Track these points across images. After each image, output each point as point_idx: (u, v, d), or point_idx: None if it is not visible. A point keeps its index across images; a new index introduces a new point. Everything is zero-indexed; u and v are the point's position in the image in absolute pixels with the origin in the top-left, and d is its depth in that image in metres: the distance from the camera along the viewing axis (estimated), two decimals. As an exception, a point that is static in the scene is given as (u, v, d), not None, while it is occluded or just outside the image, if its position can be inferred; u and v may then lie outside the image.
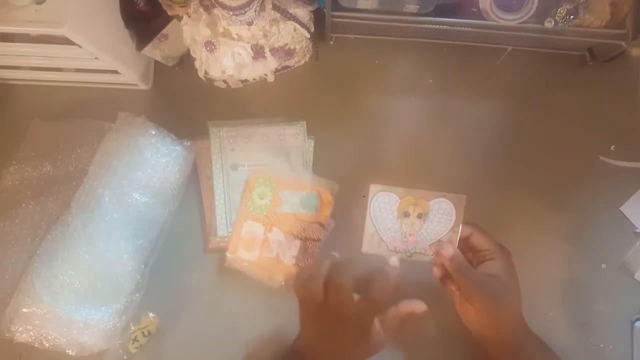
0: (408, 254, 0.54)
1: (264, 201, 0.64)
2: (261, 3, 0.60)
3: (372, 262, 0.54)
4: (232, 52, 0.63)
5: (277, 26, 0.63)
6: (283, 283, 0.62)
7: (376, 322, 0.52)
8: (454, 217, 0.53)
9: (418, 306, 0.53)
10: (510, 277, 0.53)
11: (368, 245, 0.54)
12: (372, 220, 0.53)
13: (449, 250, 0.53)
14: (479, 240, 0.54)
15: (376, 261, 0.54)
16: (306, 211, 0.64)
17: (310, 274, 0.53)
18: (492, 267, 0.52)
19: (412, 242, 0.54)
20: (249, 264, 0.63)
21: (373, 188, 0.53)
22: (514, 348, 0.53)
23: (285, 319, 0.62)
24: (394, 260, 0.53)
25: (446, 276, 0.54)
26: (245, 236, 0.63)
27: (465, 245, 0.55)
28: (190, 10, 0.63)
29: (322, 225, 0.64)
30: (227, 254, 0.63)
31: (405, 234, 0.53)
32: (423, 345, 0.61)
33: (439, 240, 0.53)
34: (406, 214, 0.53)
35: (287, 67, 0.71)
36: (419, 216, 0.53)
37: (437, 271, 0.55)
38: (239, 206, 0.65)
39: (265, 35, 0.64)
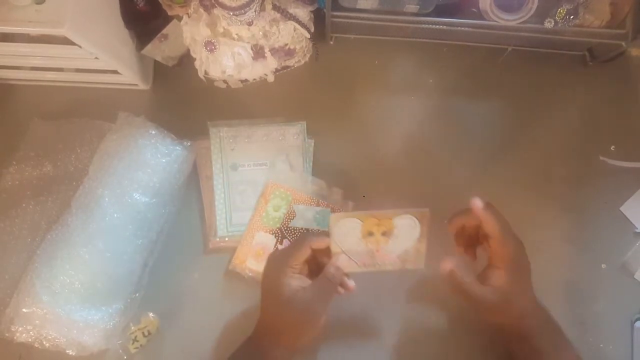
0: (377, 265, 0.54)
1: (278, 213, 0.64)
2: (261, 3, 0.60)
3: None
4: (232, 52, 0.63)
5: (277, 26, 0.63)
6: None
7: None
8: (418, 230, 0.53)
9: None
10: (518, 281, 0.52)
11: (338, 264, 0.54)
12: (337, 245, 0.53)
13: (445, 267, 0.52)
14: (497, 247, 0.53)
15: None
16: (319, 227, 0.64)
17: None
18: (499, 279, 0.52)
19: (379, 256, 0.54)
20: (256, 273, 0.63)
21: (333, 218, 0.53)
22: (524, 338, 0.54)
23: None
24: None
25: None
26: (256, 246, 0.63)
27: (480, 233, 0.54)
28: (190, 10, 0.63)
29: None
30: (234, 262, 0.63)
31: (372, 251, 0.54)
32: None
33: (406, 251, 0.54)
34: (370, 233, 0.53)
35: (287, 67, 0.71)
36: (384, 234, 0.53)
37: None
38: (252, 215, 0.65)
39: (265, 35, 0.64)
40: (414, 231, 0.53)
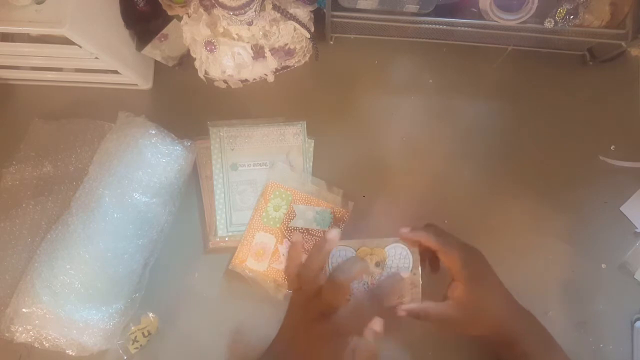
0: None
1: (278, 213, 0.64)
2: (261, 3, 0.60)
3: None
4: (232, 52, 0.63)
5: (277, 26, 0.63)
6: (289, 291, 0.62)
7: (353, 342, 0.48)
8: (411, 260, 0.53)
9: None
10: (477, 288, 0.52)
11: None
12: None
13: (401, 314, 0.52)
14: (444, 259, 0.53)
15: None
16: (319, 227, 0.64)
17: (307, 263, 0.51)
18: (455, 290, 0.52)
19: None
20: (256, 273, 0.63)
21: None
22: (509, 343, 0.53)
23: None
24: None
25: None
26: (256, 246, 0.63)
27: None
28: (190, 10, 0.63)
29: None
30: (234, 262, 0.63)
31: (367, 283, 0.53)
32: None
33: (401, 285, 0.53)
34: None
35: (287, 67, 0.71)
36: (377, 264, 0.53)
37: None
38: (251, 215, 0.65)
39: (265, 35, 0.64)
40: (407, 261, 0.53)
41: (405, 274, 0.53)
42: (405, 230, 0.53)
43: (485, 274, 0.54)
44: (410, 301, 0.54)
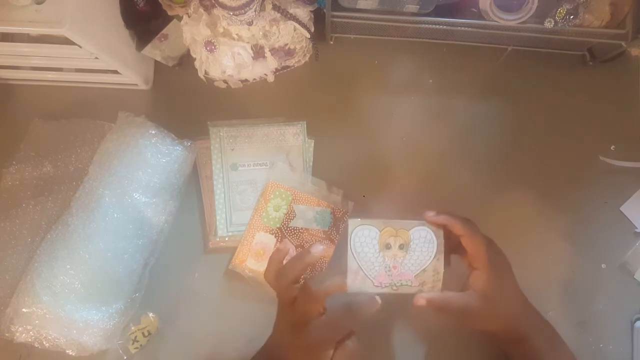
0: (394, 287, 0.52)
1: (278, 213, 0.64)
2: (261, 3, 0.60)
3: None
4: (232, 52, 0.63)
5: (277, 26, 0.63)
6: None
7: (329, 355, 0.49)
8: (435, 244, 0.52)
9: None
10: (498, 278, 0.52)
11: (352, 284, 0.52)
12: (353, 256, 0.52)
13: (421, 303, 0.51)
14: (468, 244, 0.52)
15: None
16: (319, 227, 0.64)
17: (283, 270, 0.51)
18: (478, 279, 0.51)
19: (397, 274, 0.52)
20: (256, 273, 0.63)
21: (352, 223, 0.52)
22: (519, 340, 0.53)
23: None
24: (378, 298, 0.51)
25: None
26: (256, 246, 0.63)
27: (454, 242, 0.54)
28: (190, 10, 0.63)
29: (333, 242, 0.64)
30: (234, 262, 0.63)
31: (389, 266, 0.52)
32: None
33: (424, 270, 0.52)
34: (387, 246, 0.52)
35: (287, 67, 0.71)
36: (401, 247, 0.52)
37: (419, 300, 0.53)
38: (251, 215, 0.65)
39: (265, 35, 0.64)
40: (431, 245, 0.52)
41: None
42: (431, 214, 0.52)
43: (505, 266, 0.54)
44: (431, 289, 0.52)
